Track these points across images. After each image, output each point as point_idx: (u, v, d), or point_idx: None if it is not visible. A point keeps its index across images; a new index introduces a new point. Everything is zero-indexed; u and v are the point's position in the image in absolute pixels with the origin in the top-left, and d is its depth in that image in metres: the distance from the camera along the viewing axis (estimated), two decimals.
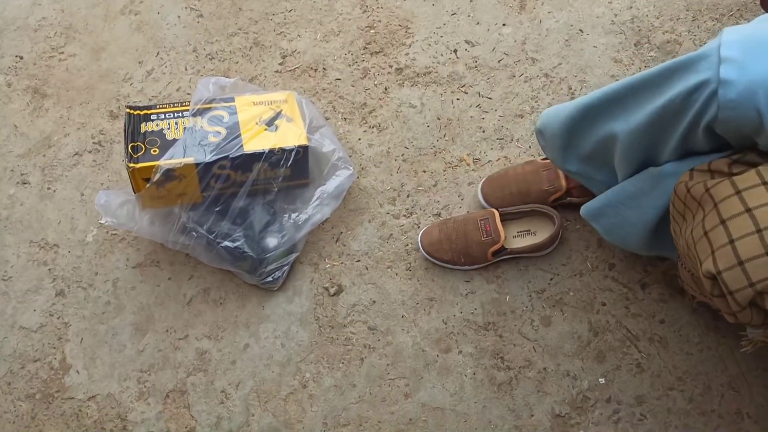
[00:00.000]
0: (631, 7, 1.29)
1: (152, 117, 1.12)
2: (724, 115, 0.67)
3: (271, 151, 1.10)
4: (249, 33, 1.41)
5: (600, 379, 1.06)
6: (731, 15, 1.26)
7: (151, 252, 1.22)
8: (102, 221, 1.18)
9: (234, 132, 1.10)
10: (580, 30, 1.29)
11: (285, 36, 1.40)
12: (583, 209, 0.97)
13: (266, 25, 1.41)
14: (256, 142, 1.10)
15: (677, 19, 1.27)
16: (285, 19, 1.41)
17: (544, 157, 1.14)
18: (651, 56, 1.25)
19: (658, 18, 1.27)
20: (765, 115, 0.63)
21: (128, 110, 1.12)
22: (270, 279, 1.15)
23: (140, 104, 1.16)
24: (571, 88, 1.25)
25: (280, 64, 1.37)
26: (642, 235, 0.92)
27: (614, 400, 1.04)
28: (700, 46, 1.23)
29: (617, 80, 1.23)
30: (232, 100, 1.15)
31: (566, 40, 1.28)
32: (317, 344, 1.12)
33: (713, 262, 0.65)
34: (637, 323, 1.08)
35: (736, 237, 0.64)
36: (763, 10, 1.17)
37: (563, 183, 1.10)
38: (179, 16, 1.46)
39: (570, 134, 0.91)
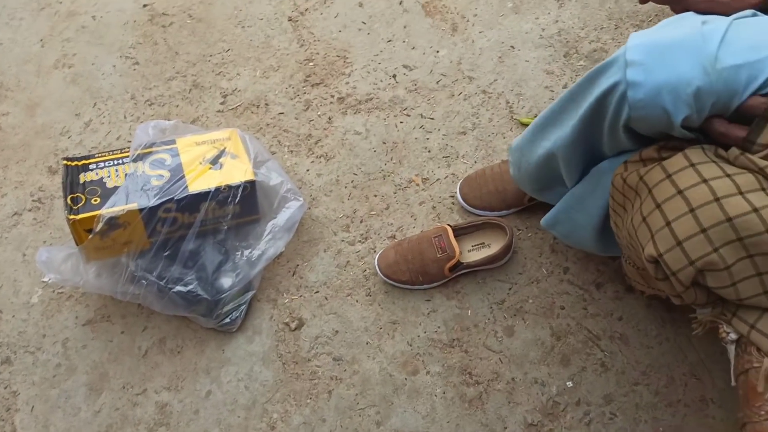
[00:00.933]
0: (557, 21, 1.34)
1: (91, 167, 1.09)
2: (636, 114, 0.70)
3: (218, 190, 1.09)
4: (187, 76, 1.41)
5: (568, 383, 1.07)
6: (650, 21, 1.33)
7: (100, 307, 1.17)
8: (45, 279, 1.14)
9: (177, 174, 1.09)
10: (512, 46, 1.33)
11: (224, 75, 1.40)
12: (542, 220, 1.01)
13: (204, 67, 1.41)
14: (201, 181, 1.09)
15: (601, 29, 1.33)
16: (223, 59, 1.41)
17: None
18: (581, 65, 1.30)
19: (583, 29, 1.33)
20: (672, 114, 0.66)
21: (65, 162, 1.10)
22: (228, 320, 1.12)
23: (78, 155, 1.14)
24: (509, 102, 1.28)
25: (222, 103, 1.37)
26: (592, 237, 0.95)
27: (584, 402, 1.05)
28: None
29: (551, 90, 1.28)
30: (174, 142, 1.14)
31: (499, 57, 1.32)
32: (282, 382, 1.09)
33: (654, 245, 0.67)
34: (597, 323, 1.10)
35: (672, 219, 0.66)
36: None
37: None
38: (114, 66, 1.45)
39: (521, 158, 0.95)
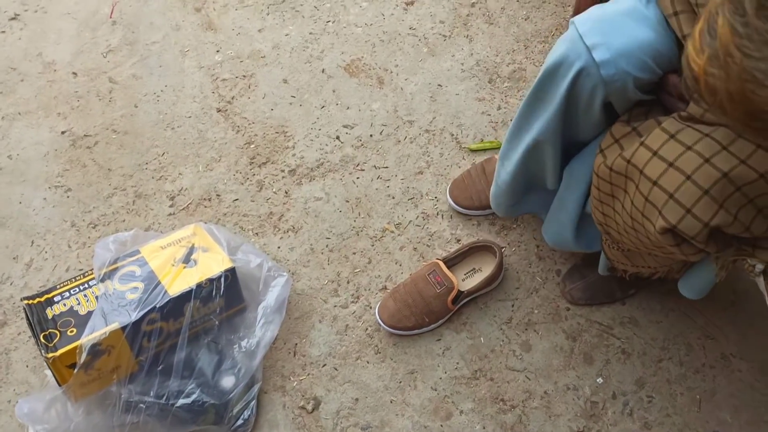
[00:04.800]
0: (472, 54, 1.43)
1: (56, 299, 1.01)
2: (611, 88, 0.75)
3: (199, 286, 1.03)
4: (127, 189, 1.36)
5: (598, 380, 1.07)
6: (553, 35, 1.44)
7: None
8: None
9: (152, 282, 1.02)
10: (439, 85, 1.40)
11: (166, 179, 1.36)
12: (545, 233, 1.06)
13: (142, 176, 1.37)
14: (179, 283, 1.03)
15: (513, 51, 1.43)
16: (160, 163, 1.38)
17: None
18: (506, 87, 1.38)
19: (497, 55, 1.42)
20: (633, 72, 0.73)
21: (25, 302, 1.00)
22: (240, 422, 1.04)
23: (37, 292, 1.05)
24: (452, 135, 1.33)
25: (171, 206, 1.32)
26: (571, 233, 0.98)
27: (619, 394, 1.05)
28: (538, 66, 1.40)
29: (488, 114, 1.35)
30: (138, 252, 1.08)
31: (431, 97, 1.38)
32: None
33: (664, 219, 0.70)
34: (604, 314, 1.12)
35: (672, 191, 0.69)
36: None
37: None
38: (45, 198, 1.37)
39: (497, 174, 0.99)
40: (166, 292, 1.01)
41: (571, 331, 1.10)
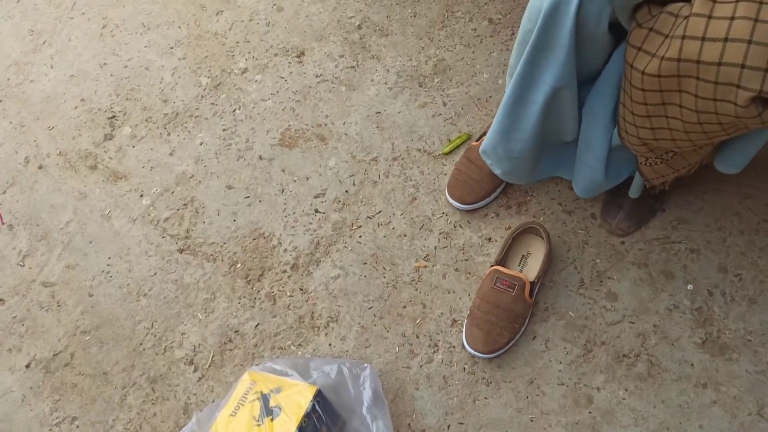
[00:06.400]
0: (388, 71, 1.40)
1: None
2: (617, 2, 0.75)
3: (301, 429, 0.92)
4: (137, 381, 1.19)
5: (688, 287, 1.08)
6: (447, 18, 1.45)
7: None
8: None
9: None
10: (377, 112, 1.36)
11: (172, 347, 1.21)
12: (580, 192, 1.07)
13: (145, 359, 1.21)
14: None
15: (422, 49, 1.42)
16: (155, 336, 1.22)
17: (476, 139, 1.22)
18: (437, 82, 1.37)
19: (411, 59, 1.41)
20: None
21: None
22: None
23: None
24: (419, 149, 1.30)
25: (194, 371, 1.18)
26: (603, 172, 0.98)
27: (713, 288, 1.07)
28: (453, 50, 1.40)
29: (439, 115, 1.33)
30: None
31: (377, 127, 1.34)
32: None
33: (746, 89, 0.68)
34: (655, 229, 1.14)
35: (741, 62, 0.67)
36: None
37: None
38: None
39: (506, 146, 0.95)
40: None
41: (638, 260, 1.11)
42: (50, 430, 1.17)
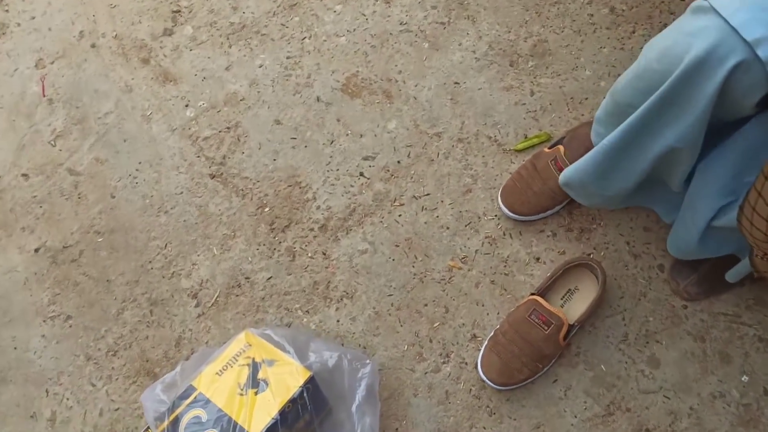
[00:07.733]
0: (481, 38, 1.24)
1: None
2: None
3: (283, 413, 0.86)
4: (137, 298, 1.15)
5: (743, 378, 0.95)
6: None
7: None
8: None
9: (227, 425, 0.85)
10: (456, 83, 1.21)
11: (179, 275, 1.15)
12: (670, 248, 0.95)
13: (150, 278, 1.16)
14: (258, 416, 0.85)
15: (526, 23, 1.24)
16: (166, 258, 1.17)
17: (549, 146, 1.07)
18: (531, 66, 1.21)
19: (509, 32, 1.24)
20: None
21: None
22: None
23: None
24: (490, 137, 1.16)
25: (196, 305, 1.12)
26: (696, 237, 0.85)
27: None
28: (560, 33, 1.22)
29: (522, 104, 1.18)
30: (194, 389, 0.89)
31: (451, 99, 1.20)
32: None
33: None
34: (726, 302, 0.99)
35: None
36: None
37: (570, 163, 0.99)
38: (43, 335, 1.15)
39: (602, 184, 0.84)
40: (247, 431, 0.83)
41: (696, 332, 0.98)
42: (44, 320, 1.15)
